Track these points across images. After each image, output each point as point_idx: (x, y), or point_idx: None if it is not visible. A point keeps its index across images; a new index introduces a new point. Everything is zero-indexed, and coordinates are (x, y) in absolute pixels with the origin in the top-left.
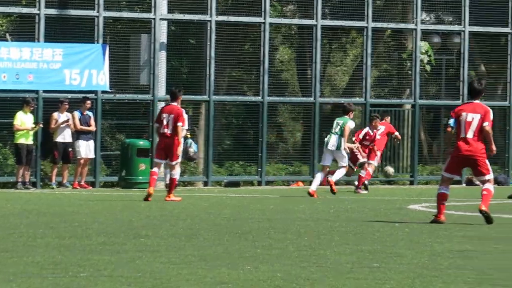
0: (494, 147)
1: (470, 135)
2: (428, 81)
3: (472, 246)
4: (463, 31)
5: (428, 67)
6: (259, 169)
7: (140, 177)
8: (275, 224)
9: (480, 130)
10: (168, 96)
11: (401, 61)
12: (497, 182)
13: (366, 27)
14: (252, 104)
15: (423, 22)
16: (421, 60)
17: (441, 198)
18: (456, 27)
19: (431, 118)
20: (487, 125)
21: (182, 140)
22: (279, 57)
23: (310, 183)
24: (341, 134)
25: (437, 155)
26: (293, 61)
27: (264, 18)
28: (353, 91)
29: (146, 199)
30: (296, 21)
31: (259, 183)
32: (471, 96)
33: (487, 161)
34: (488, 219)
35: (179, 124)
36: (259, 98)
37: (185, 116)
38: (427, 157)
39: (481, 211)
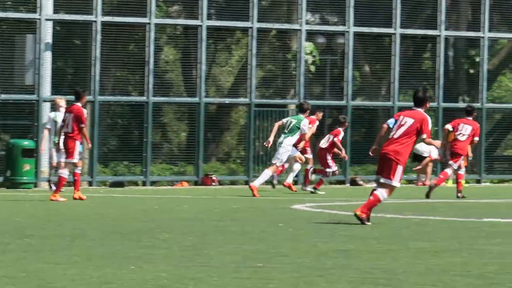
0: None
1: (396, 136)
2: (313, 81)
3: (356, 246)
4: (348, 31)
5: (312, 68)
6: (144, 169)
7: (25, 178)
8: (160, 224)
9: (406, 134)
10: (53, 97)
11: (285, 61)
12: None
13: (251, 27)
14: (137, 104)
15: (307, 22)
16: (306, 61)
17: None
18: (340, 28)
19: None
20: (426, 137)
21: (83, 140)
22: (164, 57)
23: (195, 183)
24: (291, 133)
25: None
26: (178, 62)
27: (150, 19)
28: (238, 91)
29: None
30: (181, 21)
31: (144, 183)
32: (414, 104)
33: (399, 170)
34: (362, 222)
35: (82, 125)
36: (144, 98)
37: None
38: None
39: (355, 214)
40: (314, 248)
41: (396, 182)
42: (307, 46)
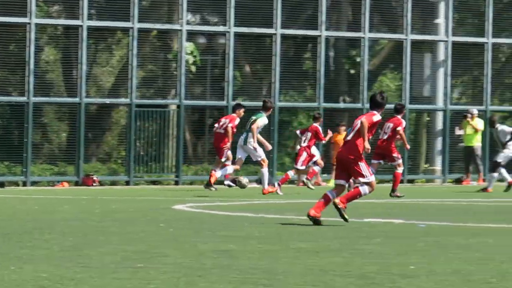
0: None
1: (348, 137)
2: (194, 81)
3: (236, 246)
4: (228, 31)
5: (193, 68)
6: (24, 170)
7: None
8: (40, 224)
9: (358, 133)
10: None
11: (166, 61)
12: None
13: (132, 27)
14: (17, 105)
15: (188, 23)
16: (187, 61)
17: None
18: (221, 28)
19: (196, 119)
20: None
21: None
22: (45, 57)
23: (76, 183)
24: (250, 130)
25: (202, 155)
26: (58, 62)
27: (30, 19)
28: (118, 91)
29: None
30: (62, 21)
31: (24, 184)
32: (370, 107)
33: (362, 165)
34: (316, 223)
35: None
36: (24, 99)
37: None
38: (191, 157)
39: (308, 215)
40: (195, 248)
41: (368, 177)
42: (188, 46)
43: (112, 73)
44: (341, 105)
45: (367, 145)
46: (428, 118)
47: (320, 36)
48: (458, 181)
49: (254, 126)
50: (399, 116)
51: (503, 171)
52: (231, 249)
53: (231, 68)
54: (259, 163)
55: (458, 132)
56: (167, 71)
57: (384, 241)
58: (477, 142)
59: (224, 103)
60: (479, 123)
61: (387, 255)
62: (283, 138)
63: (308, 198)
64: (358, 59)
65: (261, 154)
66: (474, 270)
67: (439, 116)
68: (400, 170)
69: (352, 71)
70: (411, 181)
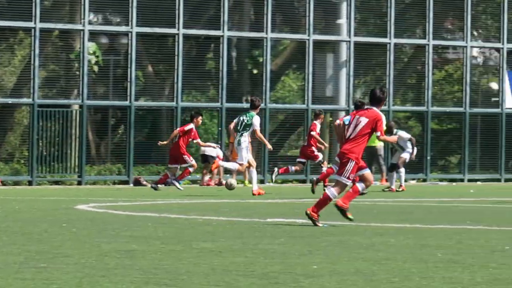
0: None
1: (351, 136)
2: (96, 81)
3: (139, 246)
4: (131, 32)
5: (96, 68)
6: None
7: None
8: None
9: (361, 133)
10: None
11: (69, 61)
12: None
13: (34, 27)
14: None
15: (90, 23)
16: (89, 61)
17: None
18: (123, 28)
19: (99, 119)
20: (379, 135)
21: None
22: None
23: None
24: (244, 131)
25: (104, 155)
26: None
27: None
28: (21, 91)
29: None
30: None
31: None
32: (371, 102)
33: (350, 165)
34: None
35: None
36: None
37: None
38: (95, 157)
39: (306, 215)
40: (98, 248)
41: (346, 179)
42: (90, 46)
43: (14, 73)
44: (244, 105)
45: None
46: (331, 118)
47: (222, 36)
48: None
49: (258, 133)
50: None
51: (402, 173)
52: (134, 249)
53: (133, 68)
54: (237, 163)
55: None
56: (70, 71)
57: (287, 241)
58: (379, 142)
59: (126, 103)
60: None
61: (290, 255)
62: None
63: (211, 198)
64: (260, 59)
65: (246, 156)
66: (376, 269)
67: (342, 116)
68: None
69: (254, 71)
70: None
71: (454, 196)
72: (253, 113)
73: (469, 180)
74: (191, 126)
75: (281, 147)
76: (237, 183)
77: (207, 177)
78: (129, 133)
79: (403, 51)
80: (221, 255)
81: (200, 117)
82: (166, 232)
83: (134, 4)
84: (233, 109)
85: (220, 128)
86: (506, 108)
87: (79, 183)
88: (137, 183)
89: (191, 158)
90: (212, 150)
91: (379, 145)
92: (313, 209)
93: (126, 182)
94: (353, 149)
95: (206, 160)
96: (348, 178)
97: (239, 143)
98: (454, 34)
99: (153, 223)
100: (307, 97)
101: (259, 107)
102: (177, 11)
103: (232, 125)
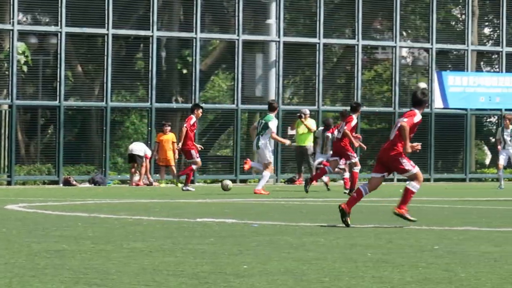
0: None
1: (391, 137)
2: (25, 81)
3: (69, 246)
4: (60, 32)
5: (25, 68)
6: None
7: None
8: None
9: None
10: None
11: None
12: (94, 182)
13: None
14: None
15: (19, 22)
16: (18, 61)
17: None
18: (52, 28)
19: (29, 119)
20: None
21: None
22: None
23: None
24: (260, 133)
25: (34, 155)
26: None
27: None
28: None
29: None
30: None
31: None
32: (413, 105)
33: (403, 160)
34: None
35: None
36: None
37: None
38: (24, 157)
39: (396, 214)
40: (27, 248)
41: (414, 169)
42: (20, 46)
43: None
44: (174, 105)
45: (408, 149)
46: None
47: (152, 36)
48: (291, 181)
49: (274, 135)
50: (354, 116)
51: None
52: (64, 249)
53: (63, 68)
54: (264, 166)
55: (291, 132)
56: None
57: (217, 240)
58: (309, 142)
59: (56, 103)
60: (312, 123)
61: (220, 255)
62: (115, 138)
63: (141, 198)
64: (190, 59)
65: (268, 157)
66: (307, 269)
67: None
68: (357, 169)
69: (184, 71)
70: (243, 181)
71: (384, 196)
72: (271, 115)
73: (398, 180)
74: (194, 119)
75: (211, 147)
76: (167, 183)
77: (136, 177)
78: (59, 133)
79: (333, 51)
80: (151, 255)
81: (201, 110)
82: (96, 232)
83: (63, 4)
84: (163, 109)
85: (149, 128)
86: (435, 108)
87: (9, 183)
88: (66, 183)
89: (198, 154)
90: (140, 149)
91: (309, 145)
92: (400, 207)
93: (56, 182)
94: (395, 148)
95: (133, 160)
96: (413, 166)
97: (257, 146)
98: (383, 34)
99: (83, 223)
100: (237, 97)
101: (277, 109)
102: (106, 11)
103: (252, 128)
